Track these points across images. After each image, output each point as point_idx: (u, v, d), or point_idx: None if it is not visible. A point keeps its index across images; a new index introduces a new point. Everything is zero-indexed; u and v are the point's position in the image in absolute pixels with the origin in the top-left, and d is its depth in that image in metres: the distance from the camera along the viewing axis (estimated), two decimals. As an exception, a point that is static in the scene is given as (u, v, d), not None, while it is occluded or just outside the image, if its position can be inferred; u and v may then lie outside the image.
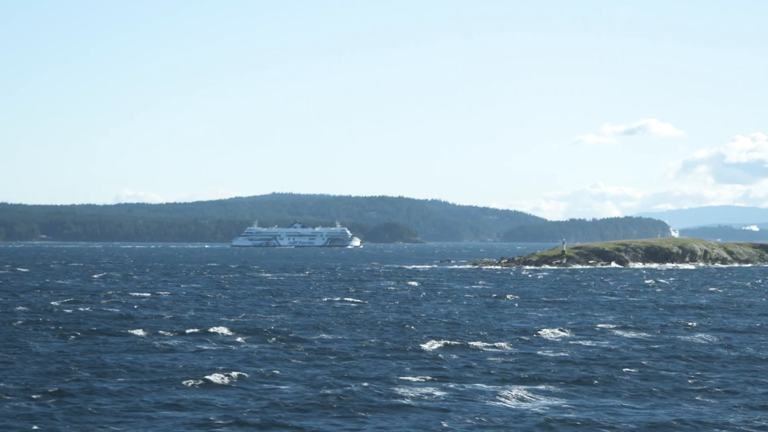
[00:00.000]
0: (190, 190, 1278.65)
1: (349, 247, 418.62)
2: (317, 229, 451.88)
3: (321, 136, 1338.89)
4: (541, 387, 32.61)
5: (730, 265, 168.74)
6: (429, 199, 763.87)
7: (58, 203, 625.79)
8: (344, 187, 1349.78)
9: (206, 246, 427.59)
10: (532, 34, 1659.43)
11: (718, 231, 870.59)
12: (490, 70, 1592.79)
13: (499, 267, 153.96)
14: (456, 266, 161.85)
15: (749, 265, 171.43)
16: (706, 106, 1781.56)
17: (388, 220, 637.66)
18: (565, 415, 28.00)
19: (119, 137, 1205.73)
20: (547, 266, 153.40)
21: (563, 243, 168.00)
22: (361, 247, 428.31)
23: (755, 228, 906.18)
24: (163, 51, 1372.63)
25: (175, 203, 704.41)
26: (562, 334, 49.56)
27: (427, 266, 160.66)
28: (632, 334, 49.85)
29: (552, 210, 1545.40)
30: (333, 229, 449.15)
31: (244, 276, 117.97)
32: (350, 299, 74.78)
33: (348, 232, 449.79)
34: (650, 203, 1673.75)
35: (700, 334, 49.93)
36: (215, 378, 33.29)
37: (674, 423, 27.15)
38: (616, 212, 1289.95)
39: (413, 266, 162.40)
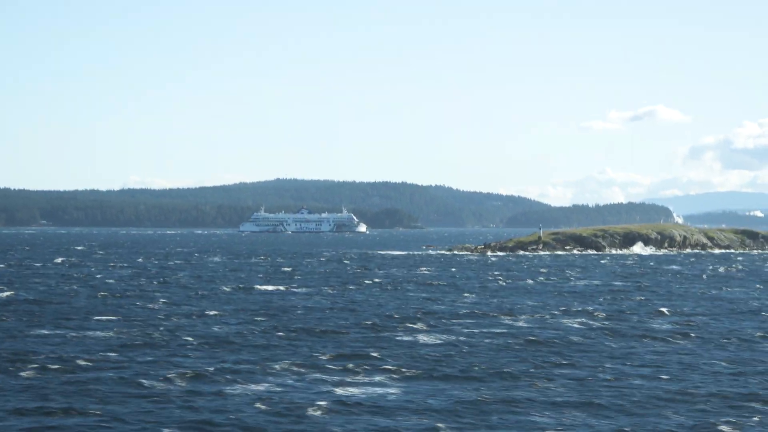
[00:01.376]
0: (197, 177, 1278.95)
1: (355, 232, 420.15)
2: (324, 215, 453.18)
3: (326, 122, 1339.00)
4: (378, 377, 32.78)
5: (709, 251, 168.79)
6: (433, 185, 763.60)
7: (63, 189, 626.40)
8: (349, 173, 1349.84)
9: (216, 232, 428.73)
10: (538, 19, 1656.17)
11: (722, 217, 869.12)
12: (497, 57, 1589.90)
13: (469, 253, 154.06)
14: (431, 252, 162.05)
15: (730, 251, 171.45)
16: (714, 92, 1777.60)
17: (391, 205, 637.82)
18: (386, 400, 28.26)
19: (126, 124, 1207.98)
20: (523, 252, 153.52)
21: (540, 229, 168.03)
22: (367, 232, 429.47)
23: (759, 214, 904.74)
24: (170, 39, 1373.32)
25: (178, 189, 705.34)
26: (423, 321, 49.17)
27: (404, 252, 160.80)
28: (507, 321, 49.82)
29: (559, 196, 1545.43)
30: (339, 215, 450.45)
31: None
32: (268, 286, 74.48)
33: (354, 217, 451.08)
34: (657, 189, 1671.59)
35: (568, 318, 50.29)
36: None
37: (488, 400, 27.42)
38: (622, 198, 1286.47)
39: (389, 252, 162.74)
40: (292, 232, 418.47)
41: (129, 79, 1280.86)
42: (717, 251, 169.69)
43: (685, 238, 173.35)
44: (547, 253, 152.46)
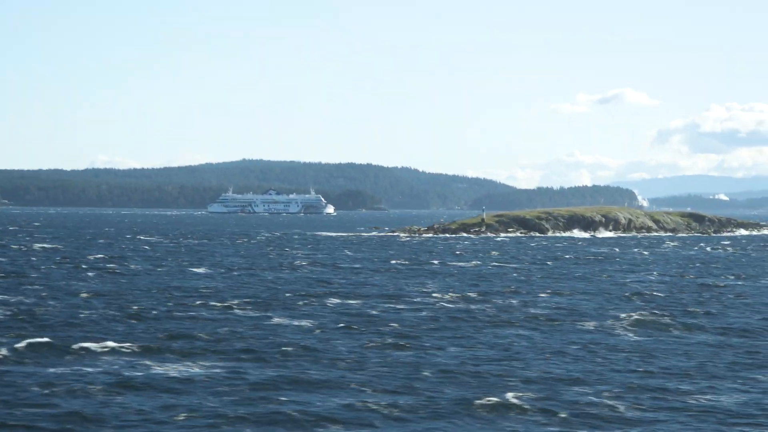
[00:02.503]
0: (166, 157, 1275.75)
1: (323, 213, 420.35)
2: (292, 196, 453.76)
3: (294, 103, 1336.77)
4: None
5: (655, 234, 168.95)
6: (399, 166, 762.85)
7: (27, 169, 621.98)
8: (315, 154, 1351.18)
9: (181, 213, 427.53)
10: (507, 1, 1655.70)
11: (688, 200, 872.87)
12: (466, 39, 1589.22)
13: (410, 234, 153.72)
14: (375, 233, 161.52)
15: (675, 234, 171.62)
16: (681, 76, 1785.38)
17: (355, 187, 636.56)
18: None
19: (95, 105, 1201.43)
20: (465, 234, 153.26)
21: (483, 211, 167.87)
22: (335, 214, 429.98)
23: (724, 197, 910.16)
24: (135, 18, 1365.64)
25: (143, 169, 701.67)
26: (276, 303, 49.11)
27: (343, 234, 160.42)
28: (356, 302, 49.59)
29: (528, 178, 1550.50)
30: (308, 196, 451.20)
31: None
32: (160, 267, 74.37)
33: (322, 199, 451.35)
34: (625, 172, 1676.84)
35: (410, 302, 49.98)
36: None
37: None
38: (590, 181, 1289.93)
39: (327, 233, 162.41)
40: (261, 213, 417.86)
41: (101, 61, 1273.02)
42: (662, 234, 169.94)
43: (630, 221, 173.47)
44: (491, 235, 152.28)
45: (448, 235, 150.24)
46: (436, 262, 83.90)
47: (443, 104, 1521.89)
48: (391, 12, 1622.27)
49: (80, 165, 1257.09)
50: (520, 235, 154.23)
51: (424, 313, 44.63)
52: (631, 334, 38.77)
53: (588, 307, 48.38)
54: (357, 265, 77.95)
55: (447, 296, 52.46)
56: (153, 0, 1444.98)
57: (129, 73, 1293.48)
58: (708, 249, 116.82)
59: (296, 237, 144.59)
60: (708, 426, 23.80)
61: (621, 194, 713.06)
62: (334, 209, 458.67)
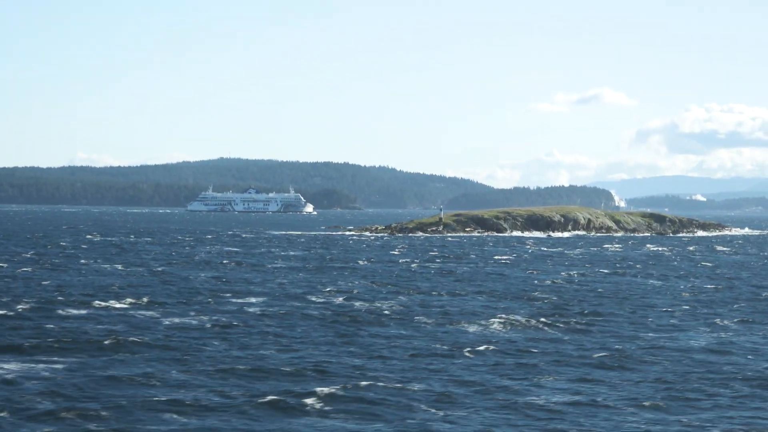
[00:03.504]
0: (145, 155, 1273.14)
1: (302, 212, 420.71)
2: (271, 194, 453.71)
3: (273, 101, 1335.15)
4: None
5: (613, 234, 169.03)
6: (377, 165, 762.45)
7: (2, 166, 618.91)
8: (293, 153, 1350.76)
9: (161, 210, 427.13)
10: (486, 2, 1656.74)
11: (665, 200, 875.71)
12: (446, 39, 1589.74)
13: (366, 234, 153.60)
14: (332, 233, 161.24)
15: (635, 234, 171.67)
16: (660, 76, 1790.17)
17: (332, 186, 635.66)
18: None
19: (75, 101, 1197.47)
20: (420, 233, 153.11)
21: (441, 210, 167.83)
22: (314, 213, 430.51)
23: (701, 198, 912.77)
24: (119, 17, 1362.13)
25: (119, 167, 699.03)
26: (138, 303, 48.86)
27: (302, 232, 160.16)
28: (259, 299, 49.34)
29: (507, 178, 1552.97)
30: (287, 195, 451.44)
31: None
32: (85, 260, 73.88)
33: (302, 198, 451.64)
34: (605, 172, 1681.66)
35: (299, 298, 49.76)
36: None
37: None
38: (565, 181, 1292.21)
39: (290, 232, 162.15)
40: (240, 211, 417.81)
41: (84, 59, 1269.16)
42: (620, 234, 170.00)
43: (589, 221, 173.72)
44: (447, 234, 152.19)
45: (401, 235, 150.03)
46: (362, 261, 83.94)
47: (422, 104, 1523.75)
48: (370, 13, 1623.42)
49: (60, 162, 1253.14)
50: (477, 234, 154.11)
51: (301, 311, 44.46)
52: (495, 332, 38.66)
53: (471, 305, 48.25)
54: (279, 264, 77.83)
55: (338, 298, 51.96)
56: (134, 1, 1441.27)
57: (110, 72, 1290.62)
58: (651, 248, 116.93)
59: (245, 236, 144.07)
60: (535, 423, 23.65)
61: (598, 194, 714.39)
62: (314, 208, 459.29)
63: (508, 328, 40.45)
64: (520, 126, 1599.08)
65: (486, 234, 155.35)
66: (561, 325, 41.32)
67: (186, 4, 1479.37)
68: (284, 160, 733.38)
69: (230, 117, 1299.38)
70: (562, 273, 72.89)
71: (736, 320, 44.19)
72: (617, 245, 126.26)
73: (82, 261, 77.41)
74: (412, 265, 79.04)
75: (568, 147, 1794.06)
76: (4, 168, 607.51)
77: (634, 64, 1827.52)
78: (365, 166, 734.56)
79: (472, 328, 40.03)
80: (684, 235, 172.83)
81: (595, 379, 29.36)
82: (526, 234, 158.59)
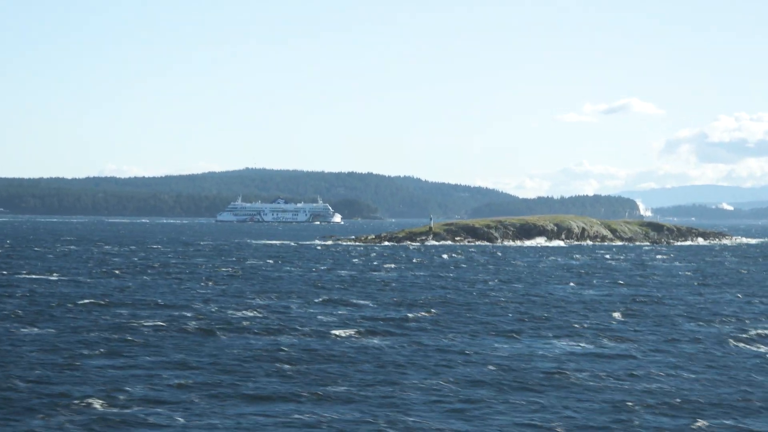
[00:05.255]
0: (174, 166, 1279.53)
1: (330, 222, 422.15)
2: (300, 204, 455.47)
3: (300, 112, 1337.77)
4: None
5: (610, 243, 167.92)
6: (402, 175, 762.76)
7: (27, 177, 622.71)
8: (318, 163, 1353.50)
9: (186, 221, 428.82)
10: (512, 11, 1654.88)
11: (692, 210, 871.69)
12: (471, 50, 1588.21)
13: (356, 243, 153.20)
14: (328, 243, 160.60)
15: (631, 243, 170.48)
16: (688, 86, 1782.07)
17: (356, 196, 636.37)
18: None
19: (104, 113, 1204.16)
20: (409, 242, 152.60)
21: (431, 219, 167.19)
22: (342, 222, 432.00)
23: (728, 207, 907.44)
24: (142, 29, 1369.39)
25: (143, 177, 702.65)
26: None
27: (278, 242, 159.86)
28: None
29: (536, 188, 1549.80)
30: (315, 204, 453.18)
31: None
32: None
33: (330, 207, 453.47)
34: (634, 182, 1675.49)
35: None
36: None
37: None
38: (595, 191, 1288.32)
39: (267, 241, 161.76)
40: (269, 221, 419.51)
41: (110, 70, 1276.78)
42: (617, 243, 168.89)
43: (583, 230, 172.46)
44: (436, 243, 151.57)
45: (387, 243, 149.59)
46: (291, 268, 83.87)
47: (449, 114, 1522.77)
48: (395, 22, 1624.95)
49: (89, 173, 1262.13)
50: (468, 243, 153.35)
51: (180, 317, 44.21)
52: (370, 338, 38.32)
53: (360, 314, 47.92)
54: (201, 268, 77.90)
55: (229, 305, 51.76)
56: (158, 10, 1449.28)
57: (140, 84, 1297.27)
58: (630, 256, 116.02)
59: (247, 243, 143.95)
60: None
61: (623, 204, 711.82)
62: (341, 218, 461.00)
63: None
64: (548, 136, 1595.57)
65: (478, 243, 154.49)
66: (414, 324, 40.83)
67: (213, 17, 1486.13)
68: (309, 171, 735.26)
69: (257, 127, 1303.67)
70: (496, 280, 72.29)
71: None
72: (576, 256, 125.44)
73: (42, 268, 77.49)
74: (341, 272, 79.27)
75: (598, 157, 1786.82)
76: (29, 179, 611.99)
77: (661, 73, 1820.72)
78: (390, 176, 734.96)
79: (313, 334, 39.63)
80: (679, 244, 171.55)
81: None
82: (517, 243, 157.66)
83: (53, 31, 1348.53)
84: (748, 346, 38.35)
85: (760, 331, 42.56)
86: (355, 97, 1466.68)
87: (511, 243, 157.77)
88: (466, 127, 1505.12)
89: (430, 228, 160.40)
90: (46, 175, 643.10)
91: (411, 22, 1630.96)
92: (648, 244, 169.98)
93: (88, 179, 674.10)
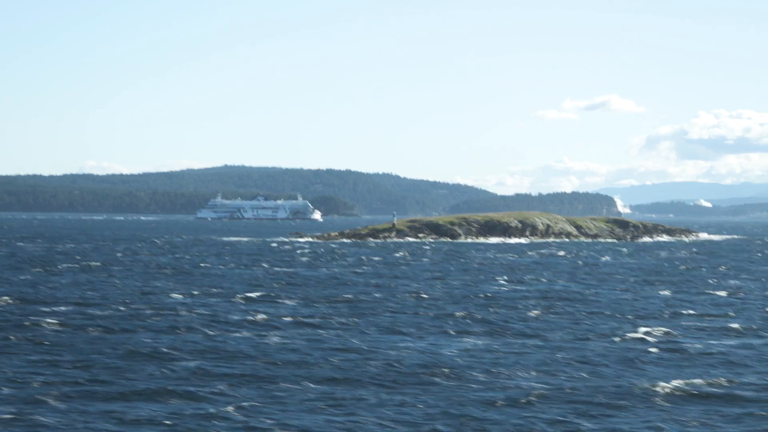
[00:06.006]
0: (155, 162, 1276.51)
1: (311, 219, 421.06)
2: (280, 201, 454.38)
3: (280, 109, 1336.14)
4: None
5: (574, 240, 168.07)
6: (380, 172, 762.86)
7: (4, 174, 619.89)
8: (297, 160, 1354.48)
9: (166, 218, 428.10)
10: (492, 8, 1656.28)
11: (670, 206, 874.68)
12: (451, 47, 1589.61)
13: (317, 240, 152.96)
14: (295, 240, 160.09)
15: (597, 240, 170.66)
16: (668, 83, 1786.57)
17: (333, 193, 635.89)
18: None
19: (85, 110, 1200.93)
20: (371, 239, 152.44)
21: (394, 216, 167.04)
22: (321, 220, 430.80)
23: (706, 203, 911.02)
24: (122, 30, 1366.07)
25: (121, 174, 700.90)
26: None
27: (246, 239, 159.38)
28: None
29: (516, 184, 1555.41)
30: (295, 201, 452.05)
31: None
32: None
33: (310, 205, 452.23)
34: (614, 179, 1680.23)
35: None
36: None
37: None
38: (575, 188, 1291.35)
39: (233, 239, 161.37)
40: (249, 218, 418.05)
41: (96, 67, 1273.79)
42: (582, 240, 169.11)
43: (548, 227, 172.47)
44: (398, 240, 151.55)
45: (347, 240, 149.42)
46: (218, 265, 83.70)
47: (431, 112, 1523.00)
48: (374, 18, 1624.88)
49: (68, 171, 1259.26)
50: (431, 240, 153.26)
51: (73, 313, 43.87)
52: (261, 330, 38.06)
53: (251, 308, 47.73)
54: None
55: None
56: (138, 8, 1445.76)
57: (120, 81, 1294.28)
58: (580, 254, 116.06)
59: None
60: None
61: (600, 201, 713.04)
62: (321, 215, 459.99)
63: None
64: (528, 133, 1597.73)
65: (440, 239, 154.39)
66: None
67: (194, 15, 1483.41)
68: (287, 168, 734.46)
69: (236, 125, 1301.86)
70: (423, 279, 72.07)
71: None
72: (558, 252, 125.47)
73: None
74: (285, 269, 79.22)
75: (578, 154, 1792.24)
76: (5, 176, 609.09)
77: (641, 71, 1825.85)
78: (368, 173, 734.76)
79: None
80: (642, 240, 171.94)
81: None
82: (480, 240, 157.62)
83: (37, 28, 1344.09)
84: (635, 342, 38.31)
85: (659, 328, 42.48)
86: (336, 94, 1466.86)
87: (474, 240, 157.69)
88: (447, 124, 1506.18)
89: (393, 225, 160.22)
90: (21, 172, 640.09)
91: (390, 20, 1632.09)
92: (612, 240, 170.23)
93: (65, 176, 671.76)
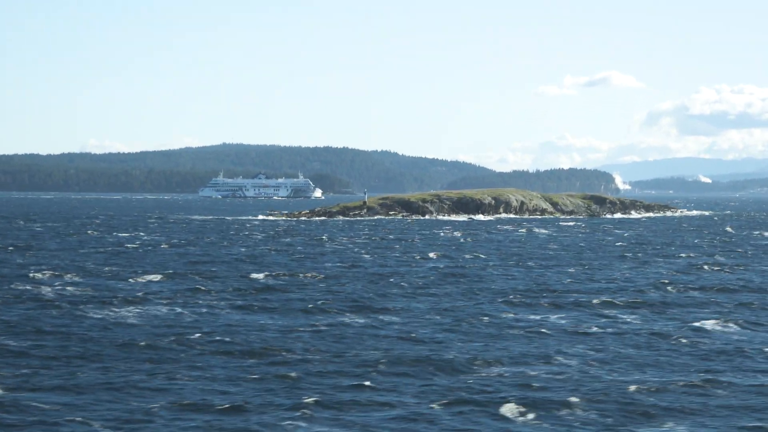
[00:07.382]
0: (155, 141, 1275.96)
1: (311, 197, 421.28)
2: (281, 180, 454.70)
3: (278, 87, 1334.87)
4: None
5: (548, 216, 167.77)
6: (378, 150, 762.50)
7: (2, 153, 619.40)
8: (295, 137, 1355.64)
9: (170, 197, 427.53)
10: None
11: (670, 182, 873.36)
12: (450, 24, 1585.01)
13: (286, 218, 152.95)
14: (268, 217, 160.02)
15: (572, 216, 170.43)
16: (669, 58, 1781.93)
17: (331, 171, 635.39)
18: None
19: (85, 88, 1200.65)
20: (341, 217, 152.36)
21: (365, 194, 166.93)
22: (323, 198, 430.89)
23: (706, 179, 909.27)
24: (124, 8, 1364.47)
25: (118, 153, 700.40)
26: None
27: (211, 217, 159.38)
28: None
29: (518, 161, 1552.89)
30: (296, 180, 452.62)
31: None
32: None
33: (311, 183, 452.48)
34: (616, 155, 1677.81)
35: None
36: None
37: None
38: (578, 164, 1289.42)
39: (198, 216, 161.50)
40: (251, 197, 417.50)
41: (94, 49, 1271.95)
42: (558, 216, 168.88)
43: (522, 203, 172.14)
44: (369, 217, 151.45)
45: (317, 218, 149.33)
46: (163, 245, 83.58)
47: (432, 88, 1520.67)
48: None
49: (70, 149, 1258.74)
50: (401, 217, 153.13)
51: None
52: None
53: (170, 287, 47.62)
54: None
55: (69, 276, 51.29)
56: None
57: (121, 60, 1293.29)
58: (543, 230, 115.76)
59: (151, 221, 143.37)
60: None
61: (599, 177, 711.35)
62: (322, 193, 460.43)
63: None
64: (529, 109, 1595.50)
65: (412, 217, 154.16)
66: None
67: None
68: (285, 145, 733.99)
69: (234, 103, 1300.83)
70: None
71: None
72: (523, 229, 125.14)
73: None
74: (232, 250, 78.99)
75: (580, 130, 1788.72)
76: (3, 155, 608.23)
77: (641, 46, 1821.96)
78: (366, 150, 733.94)
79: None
80: (615, 217, 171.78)
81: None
82: (452, 217, 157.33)
83: (35, 7, 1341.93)
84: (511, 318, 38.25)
85: (542, 303, 42.48)
86: (334, 71, 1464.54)
87: (445, 217, 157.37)
88: (448, 101, 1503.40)
89: (364, 202, 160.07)
90: (19, 152, 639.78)
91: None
92: (586, 217, 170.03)
93: (62, 155, 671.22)
